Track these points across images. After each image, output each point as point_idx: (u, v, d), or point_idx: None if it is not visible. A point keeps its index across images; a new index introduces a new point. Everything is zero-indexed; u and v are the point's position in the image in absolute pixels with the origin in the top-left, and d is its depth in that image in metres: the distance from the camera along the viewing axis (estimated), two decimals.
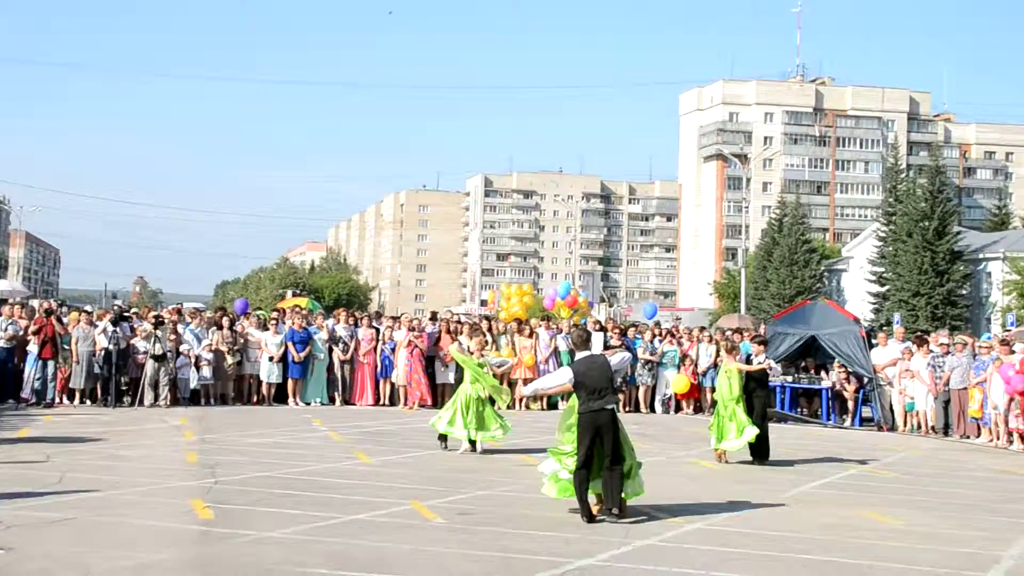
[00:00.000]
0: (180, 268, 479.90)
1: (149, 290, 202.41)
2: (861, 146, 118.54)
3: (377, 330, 23.57)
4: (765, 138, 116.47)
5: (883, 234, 69.81)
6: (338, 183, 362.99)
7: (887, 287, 67.23)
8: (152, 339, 20.90)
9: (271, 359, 22.23)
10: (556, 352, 23.74)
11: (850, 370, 22.33)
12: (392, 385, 23.21)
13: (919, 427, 21.50)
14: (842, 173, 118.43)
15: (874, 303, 68.24)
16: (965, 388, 20.48)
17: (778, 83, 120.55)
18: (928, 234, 63.68)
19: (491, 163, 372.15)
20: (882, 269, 68.54)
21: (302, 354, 22.32)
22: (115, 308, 24.48)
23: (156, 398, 20.94)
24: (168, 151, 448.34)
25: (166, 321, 21.93)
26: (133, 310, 26.43)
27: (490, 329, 23.89)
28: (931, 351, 21.64)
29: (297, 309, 24.43)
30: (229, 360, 21.90)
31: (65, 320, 21.73)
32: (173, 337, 21.52)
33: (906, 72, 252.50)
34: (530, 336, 23.90)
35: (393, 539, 9.55)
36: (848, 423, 22.12)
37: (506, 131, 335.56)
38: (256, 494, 11.50)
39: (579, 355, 11.07)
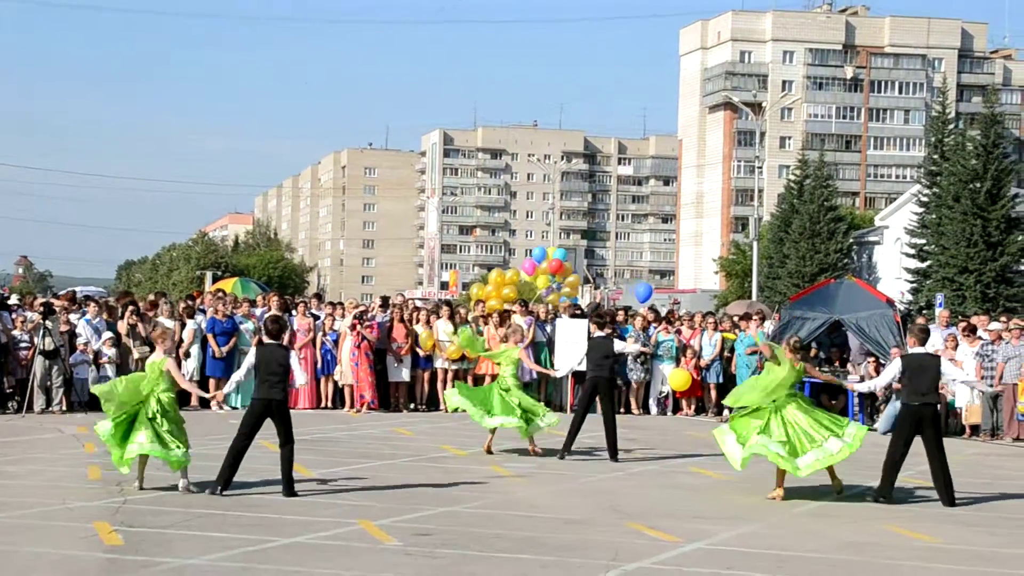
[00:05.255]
0: (73, 246, 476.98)
1: (35, 272, 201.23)
2: (900, 91, 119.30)
3: (316, 318, 23.75)
4: (784, 83, 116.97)
5: (925, 198, 70.32)
6: (266, 141, 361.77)
7: (928, 262, 67.78)
8: (41, 332, 20.99)
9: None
10: (533, 343, 23.91)
11: (882, 361, 22.72)
12: (335, 384, 23.41)
13: (964, 430, 21.91)
14: (876, 125, 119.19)
15: (913, 281, 68.81)
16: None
17: (800, 14, 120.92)
18: (979, 198, 64.15)
19: (451, 116, 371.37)
20: (923, 241, 69.08)
21: (225, 348, 22.46)
22: None
23: (48, 402, 21.05)
24: (58, 101, 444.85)
25: (57, 310, 22.01)
26: (15, 296, 26.47)
27: (452, 317, 24.14)
28: (980, 339, 22.03)
29: (220, 294, 24.56)
30: (136, 354, 22.02)
31: None
32: (66, 329, 21.63)
33: None
34: (501, 325, 24.11)
35: (339, 564, 9.78)
36: (881, 424, 22.48)
37: (470, 76, 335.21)
38: (172, 515, 11.69)
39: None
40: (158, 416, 12.99)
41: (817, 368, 23.19)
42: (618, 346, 17.65)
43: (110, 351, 21.83)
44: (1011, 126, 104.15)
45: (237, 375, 14.29)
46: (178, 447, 12.93)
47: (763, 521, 12.30)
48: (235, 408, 22.61)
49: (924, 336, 14.45)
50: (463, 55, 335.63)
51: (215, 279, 52.73)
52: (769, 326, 24.72)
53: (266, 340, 13.62)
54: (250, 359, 13.56)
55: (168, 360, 13.34)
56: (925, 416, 13.87)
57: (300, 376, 13.41)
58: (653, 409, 24.57)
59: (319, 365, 23.25)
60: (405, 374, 23.52)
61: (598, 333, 17.30)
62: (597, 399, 17.05)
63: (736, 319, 25.82)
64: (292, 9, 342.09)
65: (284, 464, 13.04)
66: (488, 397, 17.01)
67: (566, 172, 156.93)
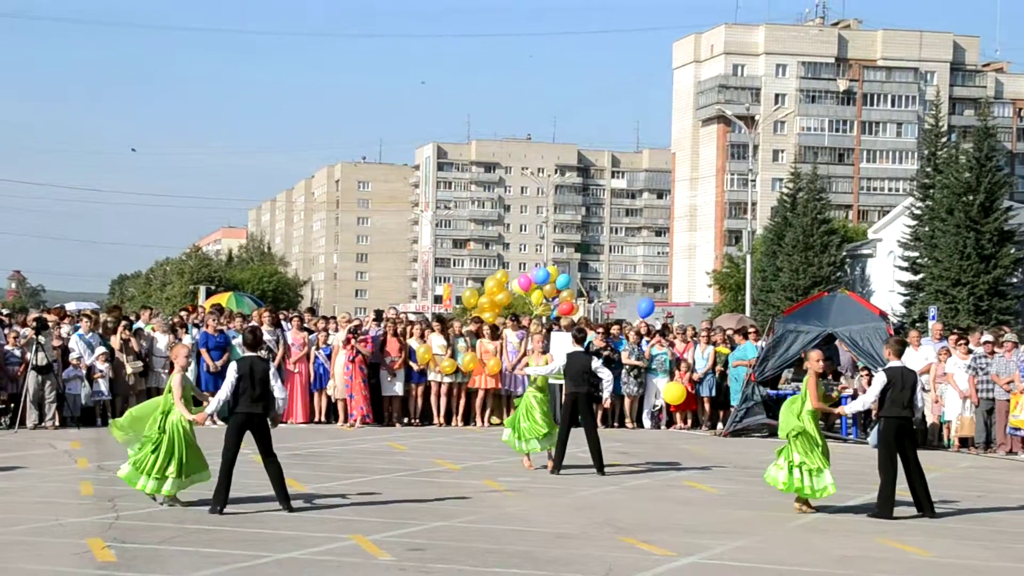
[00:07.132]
0: (67, 261, 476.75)
1: (28, 287, 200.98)
2: (893, 104, 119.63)
3: (309, 332, 23.75)
4: (776, 96, 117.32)
5: (918, 211, 70.48)
6: (259, 155, 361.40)
7: (921, 275, 67.92)
8: (34, 347, 20.98)
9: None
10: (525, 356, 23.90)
11: (874, 375, 22.71)
12: (328, 398, 23.41)
13: (961, 442, 21.91)
14: (869, 138, 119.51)
15: (906, 294, 68.93)
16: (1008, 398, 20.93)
17: (793, 27, 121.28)
18: (973, 211, 64.34)
19: (445, 129, 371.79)
20: (916, 254, 69.24)
21: (219, 362, 22.44)
22: None
23: (41, 418, 21.03)
24: (51, 115, 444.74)
25: (50, 325, 22.00)
26: (5, 311, 26.49)
27: (444, 331, 24.12)
28: (972, 351, 22.06)
29: (212, 309, 24.54)
30: (129, 369, 22.01)
31: None
32: (58, 344, 21.61)
33: (949, 12, 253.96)
34: (495, 339, 24.13)
35: None
36: (872, 438, 22.50)
37: (463, 90, 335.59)
38: (165, 530, 11.68)
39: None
40: (176, 444, 13.00)
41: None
42: (595, 364, 17.43)
43: (103, 366, 21.82)
44: (1003, 139, 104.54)
45: (220, 394, 13.41)
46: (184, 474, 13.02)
47: (757, 535, 12.30)
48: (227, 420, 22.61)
49: (900, 348, 14.55)
50: (457, 68, 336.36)
51: (209, 293, 52.74)
52: (762, 342, 24.72)
53: (245, 352, 13.59)
54: (231, 374, 12.95)
55: (175, 377, 13.27)
56: (905, 428, 13.95)
57: (279, 391, 13.13)
58: (647, 423, 24.56)
59: (312, 379, 23.26)
60: (399, 388, 23.51)
61: (577, 348, 17.32)
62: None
63: (730, 332, 25.82)
64: (286, 23, 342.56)
65: (274, 480, 12.98)
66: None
67: (560, 185, 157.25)
